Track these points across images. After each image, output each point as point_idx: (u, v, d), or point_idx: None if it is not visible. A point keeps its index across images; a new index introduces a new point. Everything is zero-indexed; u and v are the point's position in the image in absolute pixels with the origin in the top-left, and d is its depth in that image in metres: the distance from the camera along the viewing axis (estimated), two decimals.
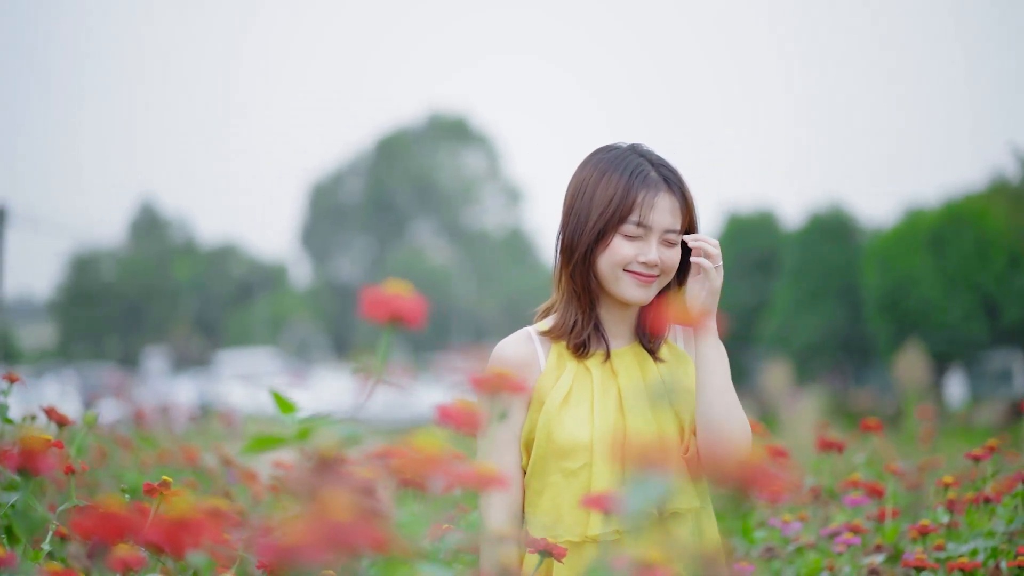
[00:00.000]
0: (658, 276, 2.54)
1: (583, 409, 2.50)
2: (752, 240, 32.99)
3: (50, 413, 3.05)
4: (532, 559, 2.46)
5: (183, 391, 29.02)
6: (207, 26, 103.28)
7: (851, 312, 30.03)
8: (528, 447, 2.54)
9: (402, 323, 1.35)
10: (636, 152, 2.59)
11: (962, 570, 2.74)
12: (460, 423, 1.33)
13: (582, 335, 2.55)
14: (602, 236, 2.53)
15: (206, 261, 53.36)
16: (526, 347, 2.58)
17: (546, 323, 2.61)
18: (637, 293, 2.53)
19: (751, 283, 32.54)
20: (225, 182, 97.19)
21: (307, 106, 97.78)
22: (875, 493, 3.51)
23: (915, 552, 2.90)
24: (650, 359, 2.58)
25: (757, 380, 26.97)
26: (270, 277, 54.45)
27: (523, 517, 2.55)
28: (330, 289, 55.00)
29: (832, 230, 31.02)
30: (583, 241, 2.55)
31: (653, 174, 2.56)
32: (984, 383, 28.75)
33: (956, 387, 29.00)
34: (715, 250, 2.51)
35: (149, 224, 53.45)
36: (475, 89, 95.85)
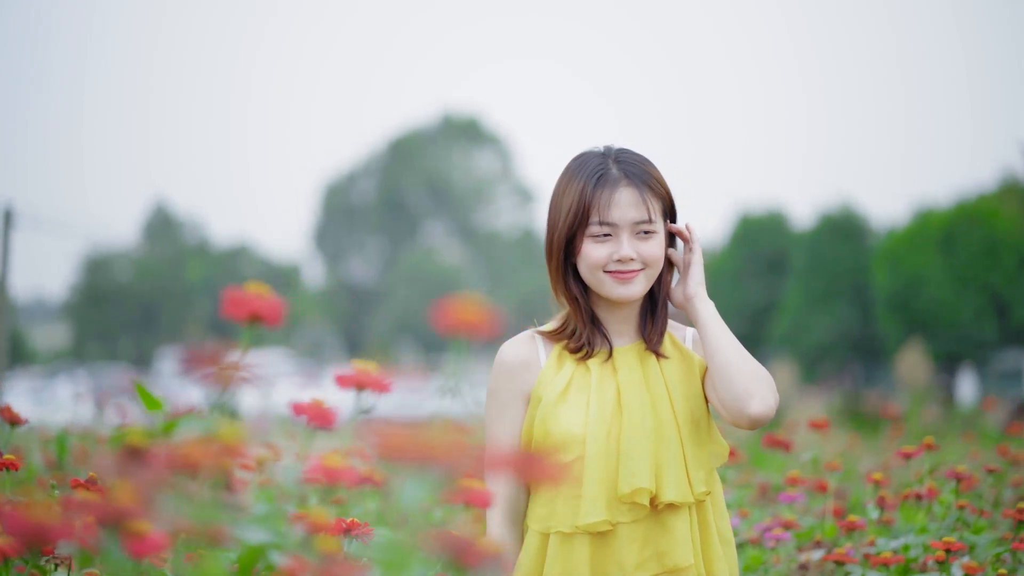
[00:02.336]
0: (641, 270, 2.54)
1: (580, 403, 2.53)
2: (763, 240, 32.97)
3: (3, 412, 3.12)
4: (528, 550, 2.53)
5: (195, 391, 29.09)
6: (220, 27, 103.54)
7: (862, 312, 30.00)
8: (529, 443, 2.57)
9: (261, 322, 1.41)
10: (603, 154, 2.60)
11: (885, 565, 2.79)
12: (313, 418, 1.38)
13: (580, 339, 2.58)
14: (571, 243, 2.56)
15: (219, 262, 53.48)
16: (527, 347, 2.62)
17: (550, 324, 2.65)
18: (619, 291, 2.54)
19: (762, 283, 32.52)
20: (238, 183, 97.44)
21: (321, 107, 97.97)
22: (821, 490, 3.56)
23: (844, 547, 2.94)
24: (653, 357, 2.58)
25: None
26: (283, 278, 54.53)
27: (524, 512, 2.59)
28: (343, 289, 55.09)
29: (843, 230, 30.97)
30: (555, 250, 2.58)
31: (613, 171, 2.56)
32: (994, 383, 28.66)
33: (967, 387, 28.94)
34: (689, 232, 2.61)
35: (162, 225, 53.60)
36: (488, 91, 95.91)
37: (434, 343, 49.04)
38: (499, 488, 2.57)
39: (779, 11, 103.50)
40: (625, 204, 2.54)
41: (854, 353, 30.70)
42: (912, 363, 19.21)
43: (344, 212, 56.18)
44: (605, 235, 2.54)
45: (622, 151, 2.60)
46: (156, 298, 50.42)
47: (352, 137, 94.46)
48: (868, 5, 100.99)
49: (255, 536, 1.39)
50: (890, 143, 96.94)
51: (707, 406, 2.58)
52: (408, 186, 55.61)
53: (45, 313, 62.34)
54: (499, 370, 2.61)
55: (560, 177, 2.63)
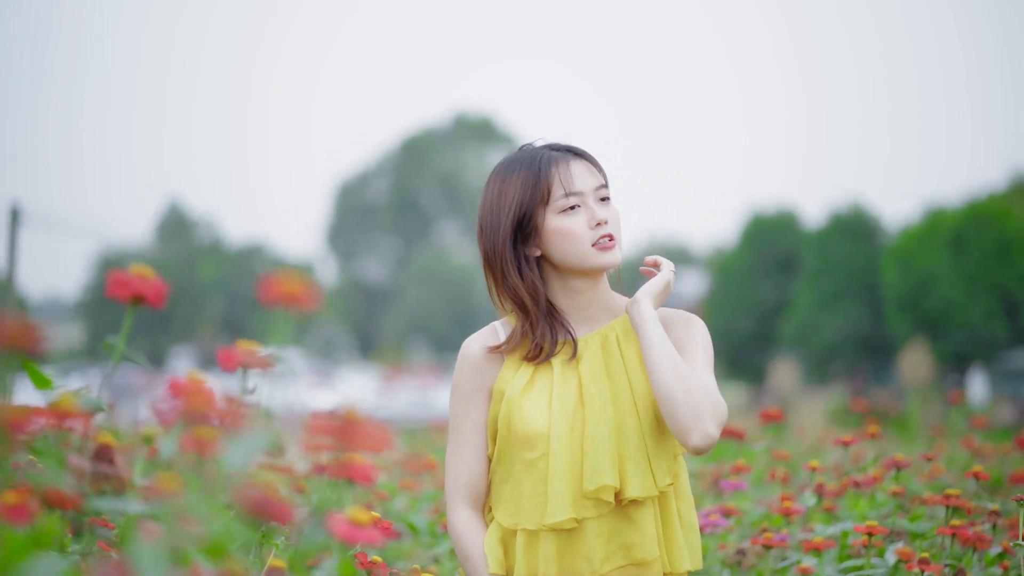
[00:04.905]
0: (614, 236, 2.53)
1: (542, 398, 2.51)
2: (774, 240, 33.00)
3: None
4: (494, 544, 2.52)
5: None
6: (233, 26, 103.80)
7: (872, 312, 30.01)
8: (494, 437, 2.55)
9: (144, 303, 1.47)
10: (526, 149, 2.58)
11: (817, 550, 2.85)
12: (189, 397, 1.45)
13: (538, 346, 2.53)
14: (524, 228, 2.52)
15: (233, 261, 53.67)
16: (491, 341, 2.59)
17: (508, 324, 2.60)
18: (605, 258, 2.51)
19: (772, 283, 32.53)
20: (252, 182, 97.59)
21: (334, 106, 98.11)
22: (783, 480, 3.62)
23: (774, 533, 2.99)
24: (615, 344, 2.54)
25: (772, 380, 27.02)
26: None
27: (484, 496, 2.57)
28: (356, 289, 55.20)
29: (853, 230, 31.00)
30: (502, 241, 2.53)
31: (554, 153, 2.55)
32: (1004, 383, 28.63)
33: (977, 386, 28.91)
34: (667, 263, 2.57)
35: (176, 225, 53.82)
36: (487, 91, 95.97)
37: (447, 343, 49.07)
38: (458, 473, 2.56)
39: (785, 10, 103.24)
40: (582, 173, 2.54)
41: (864, 352, 30.68)
42: (915, 362, 19.23)
43: (358, 212, 56.32)
44: (572, 207, 2.51)
45: (544, 144, 2.60)
46: (170, 297, 50.56)
47: (360, 136, 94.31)
48: (878, 4, 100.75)
49: (133, 507, 1.46)
50: (901, 143, 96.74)
51: None
52: (421, 186, 55.72)
53: (60, 312, 62.61)
54: (463, 363, 2.58)
55: (490, 184, 2.58)
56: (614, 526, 2.47)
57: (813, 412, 17.87)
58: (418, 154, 55.96)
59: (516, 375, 2.54)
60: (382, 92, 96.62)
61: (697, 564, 2.55)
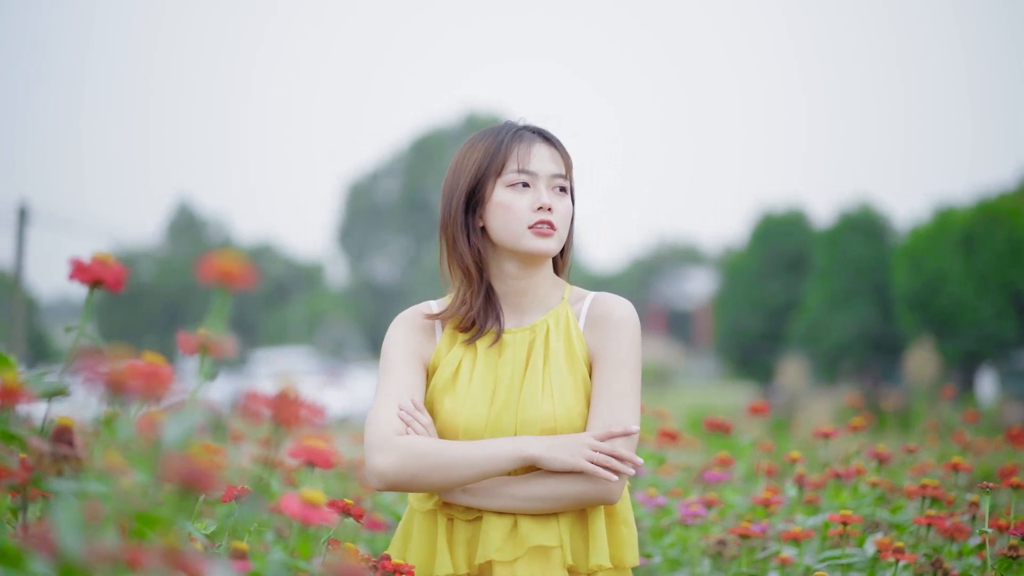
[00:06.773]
0: (557, 227, 2.48)
1: (461, 391, 2.48)
2: (783, 239, 32.99)
3: None
4: (409, 526, 2.53)
5: (217, 390, 29.30)
6: (241, 25, 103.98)
7: (882, 311, 29.99)
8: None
9: (104, 287, 1.50)
10: (506, 123, 2.56)
11: (795, 540, 2.87)
12: (113, 369, 1.47)
13: (470, 318, 2.50)
14: (475, 195, 2.50)
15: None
16: (426, 315, 2.55)
17: (444, 303, 2.58)
18: (539, 244, 2.47)
19: (782, 282, 32.52)
20: (262, 182, 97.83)
21: (341, 105, 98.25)
22: (769, 473, 3.63)
23: (750, 523, 3.01)
24: (541, 345, 2.48)
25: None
26: (307, 277, 54.79)
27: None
28: (366, 289, 55.30)
29: (863, 229, 30.99)
30: (455, 207, 2.50)
31: (524, 130, 2.53)
32: (1012, 382, 28.57)
33: (987, 386, 28.86)
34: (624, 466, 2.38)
35: (186, 224, 53.96)
36: (488, 91, 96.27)
37: None
38: (389, 419, 2.43)
39: (788, 10, 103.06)
40: (543, 157, 2.51)
41: (874, 351, 30.64)
42: (920, 360, 19.20)
43: (368, 211, 56.42)
44: (523, 184, 2.48)
45: (525, 124, 2.57)
46: (180, 296, 50.78)
47: (366, 136, 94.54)
48: (888, 3, 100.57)
49: (94, 487, 1.49)
50: (910, 142, 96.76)
51: (587, 406, 2.46)
52: (431, 185, 55.79)
53: (71, 312, 62.79)
54: (395, 330, 2.55)
55: (459, 151, 2.57)
56: (515, 518, 2.43)
57: (821, 411, 17.88)
58: (428, 154, 56.07)
59: (446, 358, 2.51)
60: (385, 92, 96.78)
61: (632, 560, 2.48)
